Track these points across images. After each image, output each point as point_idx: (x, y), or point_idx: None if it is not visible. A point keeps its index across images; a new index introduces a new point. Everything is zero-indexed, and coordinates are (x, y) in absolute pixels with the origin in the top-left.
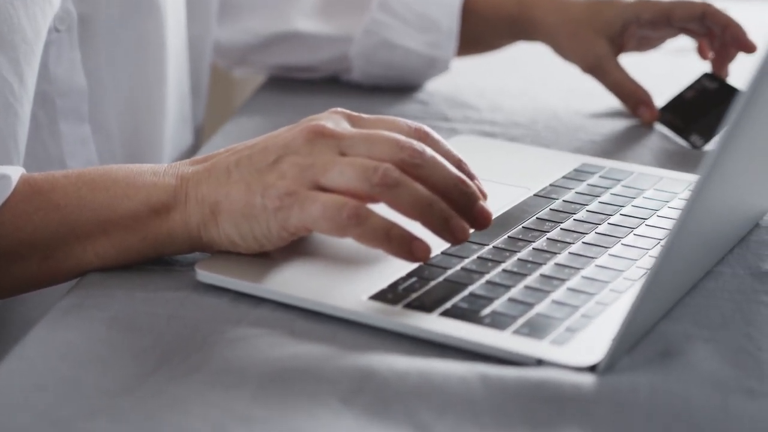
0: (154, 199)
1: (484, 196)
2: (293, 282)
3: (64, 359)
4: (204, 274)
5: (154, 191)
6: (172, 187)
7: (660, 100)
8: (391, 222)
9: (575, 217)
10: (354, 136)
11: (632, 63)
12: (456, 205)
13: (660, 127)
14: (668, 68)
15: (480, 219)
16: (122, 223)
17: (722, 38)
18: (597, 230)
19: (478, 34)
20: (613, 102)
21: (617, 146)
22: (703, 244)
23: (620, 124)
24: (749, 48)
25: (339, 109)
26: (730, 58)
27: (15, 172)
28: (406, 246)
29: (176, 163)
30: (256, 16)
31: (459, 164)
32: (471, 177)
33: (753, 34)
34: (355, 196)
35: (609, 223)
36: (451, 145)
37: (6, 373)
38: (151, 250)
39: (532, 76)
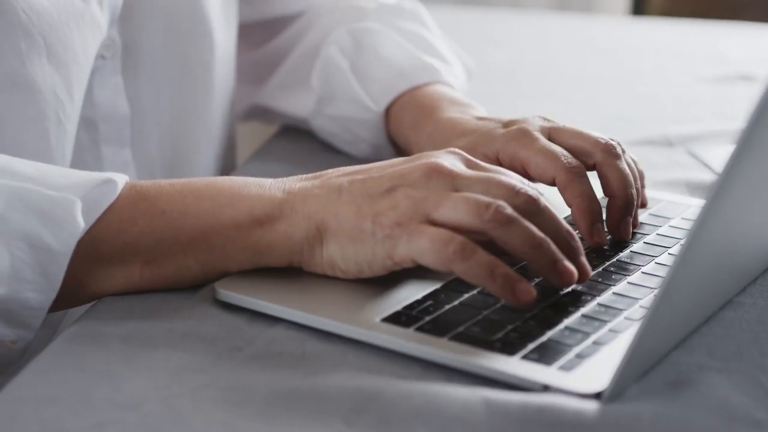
0: (258, 210)
1: (602, 242)
2: (308, 302)
3: (77, 373)
4: (223, 293)
5: (258, 202)
6: (278, 200)
7: (699, 130)
8: (496, 260)
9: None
10: (470, 176)
11: (675, 91)
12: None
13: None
14: (712, 96)
15: (581, 273)
16: (224, 232)
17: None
18: (618, 257)
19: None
20: (650, 130)
21: (651, 175)
22: (716, 272)
23: (655, 154)
24: (594, 243)
25: (458, 150)
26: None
27: (121, 178)
28: (510, 286)
29: (283, 178)
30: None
31: (569, 234)
32: (597, 219)
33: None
34: (466, 233)
35: (631, 251)
36: None
37: (22, 384)
38: (249, 261)
39: (572, 100)
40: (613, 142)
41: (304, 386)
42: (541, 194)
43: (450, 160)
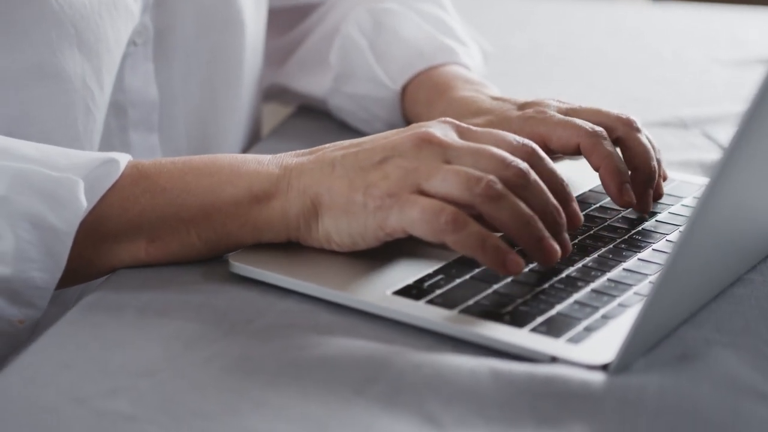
0: (256, 186)
1: (579, 222)
2: (321, 275)
3: (93, 341)
4: (237, 266)
5: (256, 179)
6: (274, 176)
7: (715, 113)
8: (487, 232)
9: (610, 222)
10: (461, 147)
11: (692, 75)
12: (547, 226)
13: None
14: (729, 79)
15: (563, 249)
16: (224, 209)
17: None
18: (630, 235)
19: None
20: (665, 113)
21: (665, 156)
22: (724, 249)
23: (670, 136)
24: (624, 204)
25: (449, 119)
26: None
27: (123, 158)
28: (500, 257)
29: (281, 154)
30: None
31: (562, 186)
32: (570, 200)
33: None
34: (455, 205)
35: (643, 229)
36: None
37: (38, 352)
38: (249, 237)
39: (589, 82)
40: (632, 117)
41: (314, 356)
42: (530, 170)
43: (442, 129)
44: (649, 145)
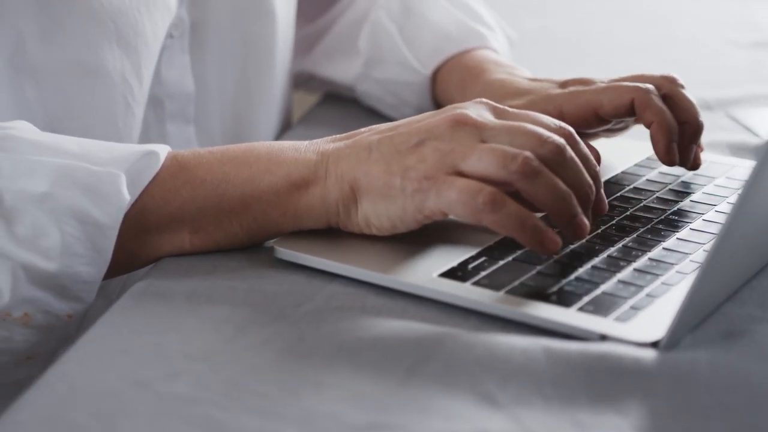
0: (295, 174)
1: (604, 209)
2: (366, 259)
3: (146, 326)
4: (282, 251)
5: (294, 167)
6: (312, 163)
7: (737, 94)
8: (526, 211)
9: (645, 203)
10: (496, 126)
11: (709, 57)
12: (581, 203)
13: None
14: (746, 61)
15: (601, 211)
16: (264, 198)
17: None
18: (666, 215)
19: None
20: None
21: None
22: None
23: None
24: (668, 161)
25: (484, 99)
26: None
27: (162, 150)
28: (538, 237)
29: (317, 140)
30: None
31: (594, 171)
32: (599, 186)
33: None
34: (492, 184)
35: (679, 209)
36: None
37: (94, 338)
38: (290, 224)
39: (606, 65)
40: (674, 75)
41: (367, 338)
42: (567, 145)
43: (477, 110)
44: (694, 100)
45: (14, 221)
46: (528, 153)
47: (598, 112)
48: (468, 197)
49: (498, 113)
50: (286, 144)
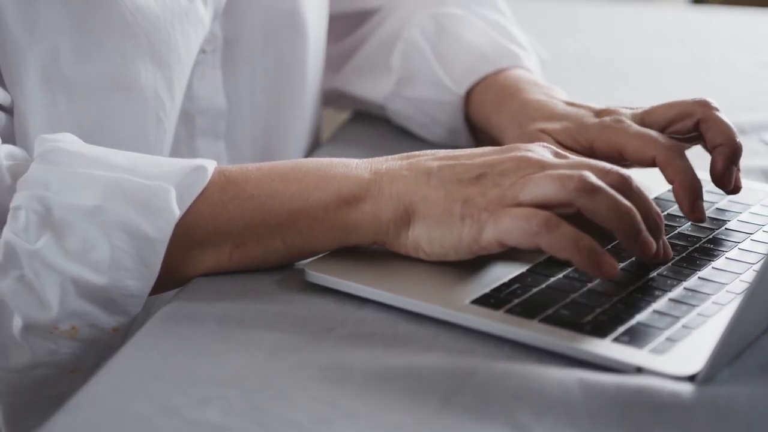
0: (345, 190)
1: (669, 255)
2: (398, 285)
3: (177, 350)
4: (313, 275)
5: (345, 182)
6: (365, 180)
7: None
8: (581, 233)
9: (680, 230)
10: (556, 163)
11: (741, 80)
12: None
13: None
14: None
15: (665, 253)
16: (312, 214)
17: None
18: (701, 244)
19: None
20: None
21: None
22: None
23: None
24: (696, 219)
25: (547, 144)
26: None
27: (210, 164)
28: (594, 259)
29: (368, 159)
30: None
31: (658, 217)
32: (662, 232)
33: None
34: (553, 207)
35: (714, 237)
36: None
37: (124, 362)
38: (336, 241)
39: (640, 88)
40: (707, 99)
41: (399, 366)
42: (632, 179)
43: (540, 152)
44: (730, 122)
45: (64, 235)
46: (585, 171)
47: (624, 155)
48: (522, 222)
49: (559, 157)
50: (335, 160)
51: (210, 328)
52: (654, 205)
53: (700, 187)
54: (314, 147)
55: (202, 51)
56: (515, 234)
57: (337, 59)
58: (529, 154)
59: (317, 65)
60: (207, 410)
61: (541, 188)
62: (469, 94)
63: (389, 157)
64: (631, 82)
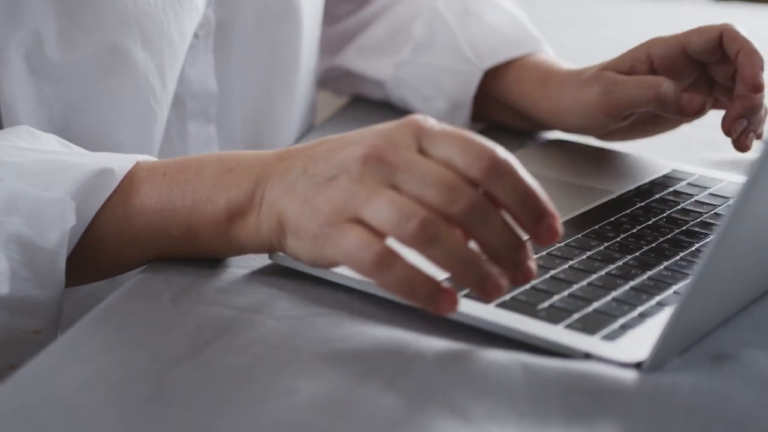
0: (233, 202)
1: (555, 237)
2: None
3: (131, 325)
4: (276, 256)
5: (234, 192)
6: (251, 189)
7: None
8: (417, 271)
9: (654, 221)
10: (410, 168)
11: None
12: (502, 263)
13: None
14: None
15: (526, 275)
16: (209, 227)
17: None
18: (673, 235)
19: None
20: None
21: (717, 156)
22: (761, 252)
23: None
24: (755, 87)
25: (414, 118)
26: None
27: (121, 168)
28: (431, 298)
29: (272, 152)
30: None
31: (535, 199)
32: (543, 215)
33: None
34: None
35: (687, 229)
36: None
37: (80, 333)
38: (235, 251)
39: None
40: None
41: (347, 347)
42: (481, 202)
43: (400, 135)
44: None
45: None
46: (426, 215)
47: (687, 49)
48: (357, 253)
49: (422, 136)
50: (238, 157)
51: (165, 306)
52: (507, 231)
53: (763, 59)
54: (308, 130)
55: (195, 35)
56: (350, 263)
57: (336, 41)
58: (382, 144)
59: (311, 49)
60: (148, 384)
61: (380, 215)
62: (493, 74)
63: (282, 152)
64: None
